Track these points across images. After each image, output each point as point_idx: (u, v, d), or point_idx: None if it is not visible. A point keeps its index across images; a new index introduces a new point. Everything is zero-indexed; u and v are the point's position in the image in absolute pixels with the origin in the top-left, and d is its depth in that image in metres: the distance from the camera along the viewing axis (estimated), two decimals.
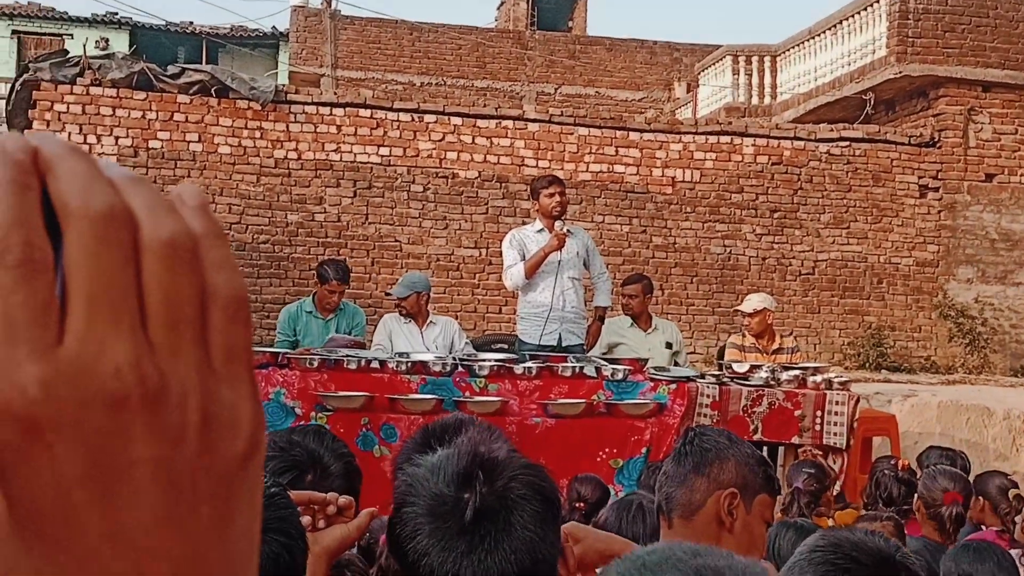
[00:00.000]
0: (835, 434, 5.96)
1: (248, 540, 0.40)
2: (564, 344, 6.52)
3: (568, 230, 6.54)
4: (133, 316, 0.37)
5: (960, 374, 11.57)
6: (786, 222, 12.70)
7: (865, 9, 13.59)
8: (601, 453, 5.57)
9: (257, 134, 11.65)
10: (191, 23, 27.31)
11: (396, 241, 11.97)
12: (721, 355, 7.49)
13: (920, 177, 12.90)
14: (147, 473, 0.37)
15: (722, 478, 2.26)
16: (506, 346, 7.57)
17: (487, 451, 1.59)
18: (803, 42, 15.44)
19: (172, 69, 11.40)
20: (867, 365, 12.24)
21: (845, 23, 14.17)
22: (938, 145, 12.86)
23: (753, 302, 6.95)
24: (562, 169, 12.26)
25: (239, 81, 11.31)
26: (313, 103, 11.86)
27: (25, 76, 11.31)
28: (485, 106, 12.97)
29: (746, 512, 2.25)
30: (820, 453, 5.64)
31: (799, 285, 12.70)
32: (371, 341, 7.37)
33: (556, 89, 21.86)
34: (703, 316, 12.49)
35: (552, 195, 6.48)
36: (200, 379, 0.39)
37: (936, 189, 12.89)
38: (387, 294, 7.13)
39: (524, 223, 12.14)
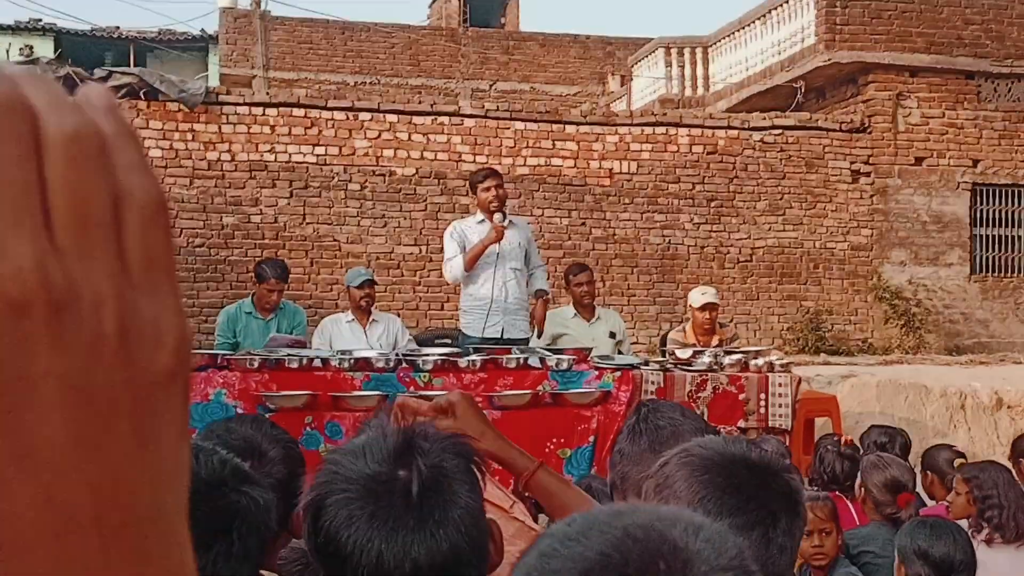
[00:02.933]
0: (780, 416, 6.01)
1: (175, 460, 0.37)
2: (507, 336, 6.50)
3: (510, 220, 6.52)
4: (35, 216, 0.34)
5: (897, 355, 11.75)
6: (723, 210, 12.80)
7: None
8: (549, 443, 5.57)
9: (189, 136, 11.49)
10: (117, 28, 26.85)
11: (335, 241, 11.87)
12: (663, 344, 7.51)
13: (852, 162, 13.07)
14: (55, 388, 0.34)
15: None
16: (449, 340, 7.52)
17: (413, 427, 1.55)
18: (733, 32, 15.58)
19: (99, 72, 11.21)
20: (807, 349, 12.38)
21: (774, 12, 14.32)
22: (868, 130, 13.04)
23: (704, 296, 6.95)
24: (500, 163, 12.22)
25: (168, 83, 11.14)
26: (245, 103, 11.72)
27: None
28: (420, 103, 12.89)
29: None
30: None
31: (738, 272, 12.81)
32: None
33: (491, 85, 21.84)
34: (644, 306, 12.55)
35: (489, 188, 6.46)
36: (115, 288, 0.35)
37: (868, 174, 13.07)
38: (349, 286, 7.05)
39: (463, 219, 12.21)
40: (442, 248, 6.82)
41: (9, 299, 0.33)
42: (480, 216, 6.64)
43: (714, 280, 12.73)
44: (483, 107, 12.55)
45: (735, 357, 6.23)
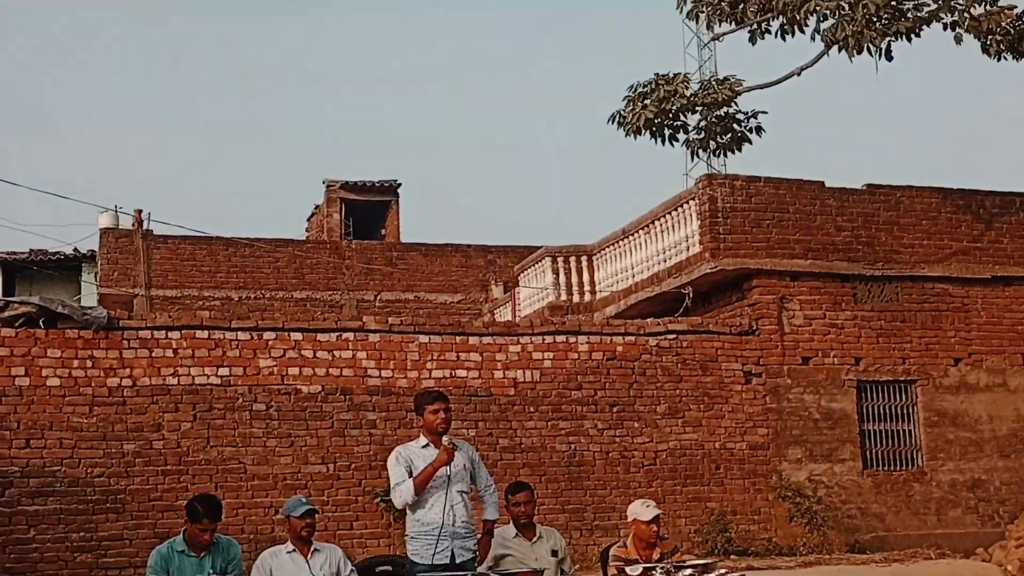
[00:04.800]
0: None
1: None
2: (457, 560, 6.41)
3: (453, 443, 6.53)
4: None
5: (815, 555, 11.92)
6: (625, 415, 13.03)
7: (676, 209, 14.48)
8: None
9: (88, 363, 11.24)
10: None
11: (240, 463, 11.60)
12: (604, 561, 7.49)
13: (744, 364, 13.56)
14: None
15: None
16: (390, 568, 7.36)
17: None
18: (618, 241, 16.23)
19: None
20: (715, 551, 12.46)
21: (657, 223, 15.03)
22: (756, 333, 13.61)
23: (649, 509, 7.00)
24: (405, 377, 12.31)
25: (71, 308, 10.95)
26: (147, 327, 11.57)
27: None
28: (322, 318, 12.94)
29: None
30: None
31: (643, 476, 12.95)
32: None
33: (375, 296, 22.08)
34: (554, 514, 12.49)
35: (437, 411, 6.49)
36: None
37: (759, 374, 13.55)
38: (288, 516, 6.88)
39: (371, 435, 12.13)
40: (387, 469, 6.72)
41: None
42: (423, 440, 6.63)
43: (620, 484, 12.86)
44: (387, 322, 12.65)
45: (687, 572, 6.26)
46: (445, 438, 6.47)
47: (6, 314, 10.72)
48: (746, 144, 13.89)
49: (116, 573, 10.88)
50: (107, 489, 11.11)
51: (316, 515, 7.00)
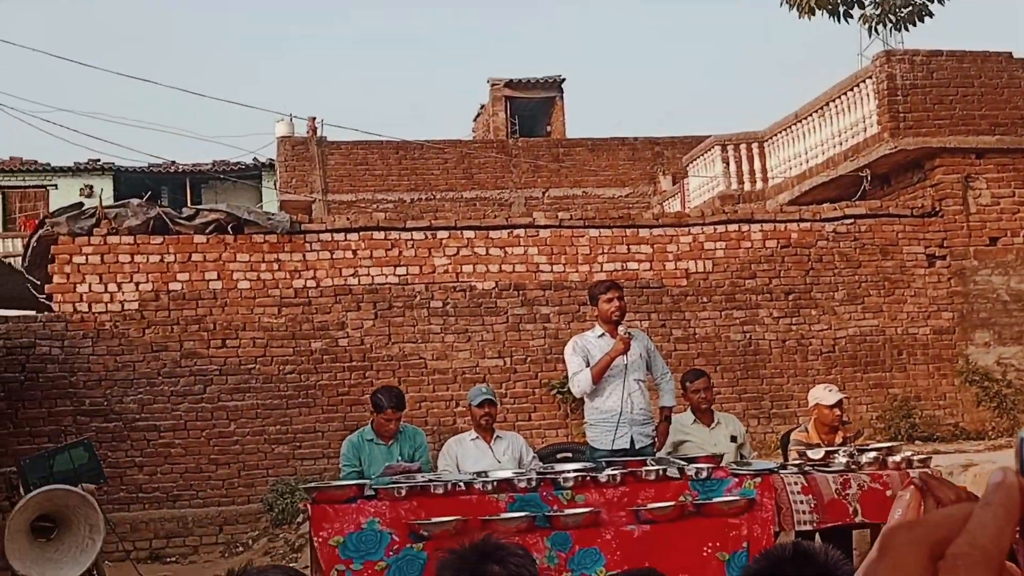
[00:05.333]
0: None
1: None
2: (637, 447, 6.52)
3: (629, 332, 6.59)
4: None
5: (1005, 439, 11.59)
6: (801, 303, 12.82)
7: (851, 90, 13.93)
8: (705, 548, 5.55)
9: (275, 266, 11.72)
10: (173, 162, 27.61)
11: (420, 358, 11.98)
12: (784, 445, 7.48)
13: (926, 247, 13.09)
14: None
15: None
16: (571, 454, 7.54)
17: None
18: (790, 126, 15.77)
19: (187, 211, 11.51)
20: (899, 437, 12.22)
21: (831, 104, 14.51)
22: (940, 214, 13.08)
23: (832, 393, 6.93)
24: (576, 271, 12.39)
25: (256, 215, 11.42)
26: (327, 230, 11.97)
27: (41, 231, 11.37)
28: (493, 217, 13.11)
29: None
30: None
31: (821, 364, 12.76)
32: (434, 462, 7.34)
33: (544, 193, 22.16)
34: (730, 403, 12.45)
35: (611, 300, 6.56)
36: None
37: (943, 257, 13.07)
38: (470, 404, 7.13)
39: (545, 329, 12.32)
40: (564, 360, 6.85)
41: None
42: (599, 330, 6.72)
43: (798, 372, 12.71)
44: (557, 217, 12.72)
45: (871, 455, 6.19)
46: (621, 327, 6.54)
47: (196, 221, 11.26)
48: (927, 17, 13.18)
49: (311, 463, 11.48)
50: (298, 385, 11.67)
51: (494, 404, 7.19)
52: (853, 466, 6.07)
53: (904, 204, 13.26)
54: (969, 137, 13.05)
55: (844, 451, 6.26)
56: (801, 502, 5.70)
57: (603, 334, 6.63)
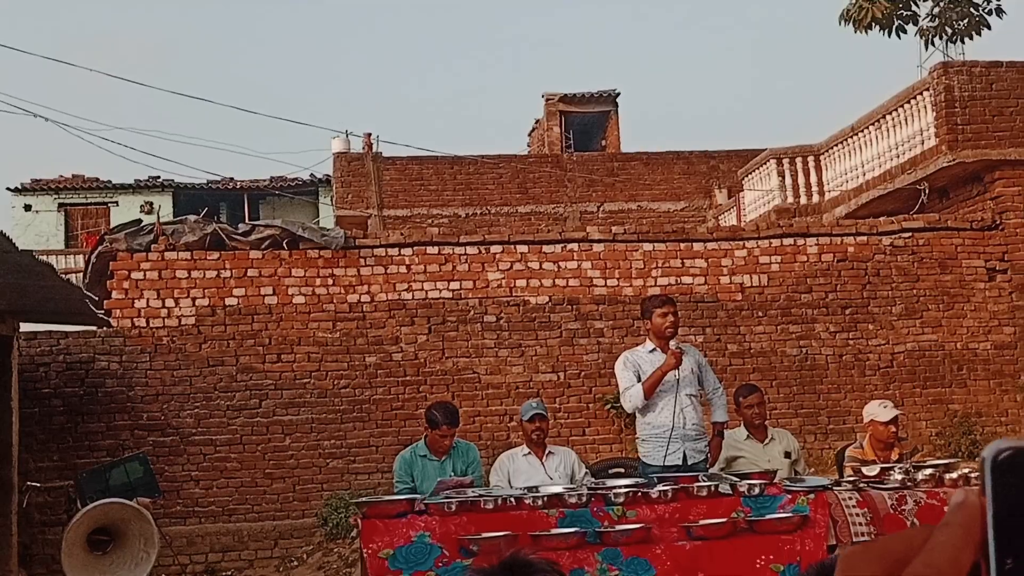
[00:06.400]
0: None
1: None
2: (690, 463, 6.47)
3: (680, 348, 6.55)
4: None
5: None
6: (858, 317, 12.66)
7: (909, 102, 13.76)
8: (759, 560, 5.49)
9: (329, 281, 11.82)
10: (231, 179, 27.99)
11: (474, 373, 12.00)
12: (840, 461, 7.38)
13: (987, 260, 12.87)
14: None
15: None
16: (623, 470, 7.50)
17: None
18: (846, 139, 15.61)
19: (243, 227, 11.64)
20: (959, 453, 12.01)
21: (888, 117, 14.33)
22: (1000, 227, 12.86)
23: (887, 409, 6.84)
24: (631, 285, 12.34)
25: (310, 231, 11.53)
26: (382, 245, 12.04)
27: (100, 248, 11.57)
28: (544, 231, 13.11)
29: None
30: None
31: (879, 379, 12.58)
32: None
33: (598, 207, 22.13)
34: (786, 419, 12.34)
35: (665, 315, 6.53)
36: None
37: (1004, 271, 12.84)
38: (522, 420, 7.13)
39: (599, 343, 12.29)
40: (615, 374, 6.83)
41: None
42: (650, 345, 6.69)
43: (855, 388, 12.55)
44: (611, 231, 12.68)
45: (927, 472, 6.09)
46: (672, 342, 6.50)
47: (252, 237, 11.39)
48: (985, 29, 13.04)
49: (365, 477, 11.53)
50: (353, 399, 11.74)
51: (545, 419, 7.17)
52: (908, 483, 5.97)
53: (963, 217, 13.05)
54: None
55: (900, 468, 6.15)
56: (857, 515, 5.62)
57: (654, 349, 6.60)
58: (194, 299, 11.54)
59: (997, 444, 0.51)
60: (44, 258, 12.52)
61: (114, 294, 11.47)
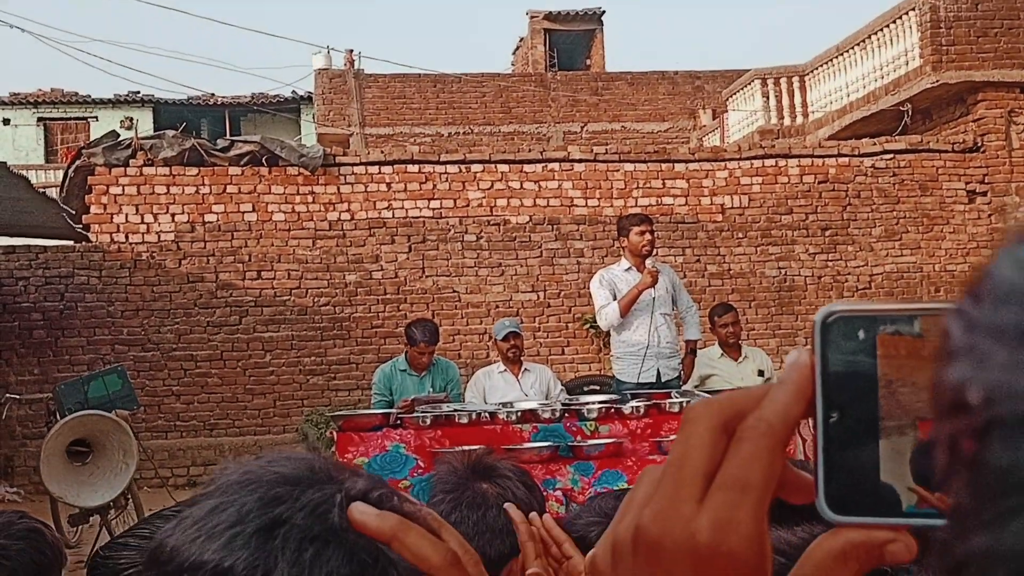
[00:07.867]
0: None
1: None
2: (663, 380, 6.54)
3: (655, 266, 6.58)
4: None
5: None
6: (838, 239, 12.71)
7: (894, 22, 13.66)
8: None
9: (309, 199, 11.78)
10: (212, 95, 27.68)
11: (454, 292, 12.04)
12: None
13: (967, 183, 12.90)
14: None
15: None
16: (599, 387, 7.58)
17: None
18: (831, 60, 15.52)
19: (221, 143, 11.56)
20: None
21: (874, 37, 14.24)
22: (982, 150, 12.87)
23: None
24: (611, 206, 12.34)
25: (288, 149, 11.45)
26: (362, 163, 11.98)
27: (78, 162, 11.48)
28: (527, 151, 13.05)
29: None
30: None
31: (857, 300, 12.65)
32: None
33: (582, 127, 22.00)
34: (764, 339, 12.44)
35: (642, 233, 6.54)
36: None
37: (984, 193, 12.88)
38: (495, 338, 7.18)
39: (578, 263, 12.32)
40: (590, 293, 6.87)
41: None
42: (626, 264, 6.71)
43: None
44: (592, 151, 12.64)
45: None
46: (648, 261, 6.52)
47: (231, 153, 11.32)
48: None
49: (346, 394, 11.62)
50: (333, 317, 11.78)
51: (519, 336, 7.21)
52: None
53: (945, 139, 13.05)
54: (1014, 71, 12.78)
55: None
56: None
57: (630, 267, 6.63)
58: (173, 215, 11.49)
59: (829, 307, 0.53)
60: (24, 172, 12.44)
61: (92, 209, 11.41)
